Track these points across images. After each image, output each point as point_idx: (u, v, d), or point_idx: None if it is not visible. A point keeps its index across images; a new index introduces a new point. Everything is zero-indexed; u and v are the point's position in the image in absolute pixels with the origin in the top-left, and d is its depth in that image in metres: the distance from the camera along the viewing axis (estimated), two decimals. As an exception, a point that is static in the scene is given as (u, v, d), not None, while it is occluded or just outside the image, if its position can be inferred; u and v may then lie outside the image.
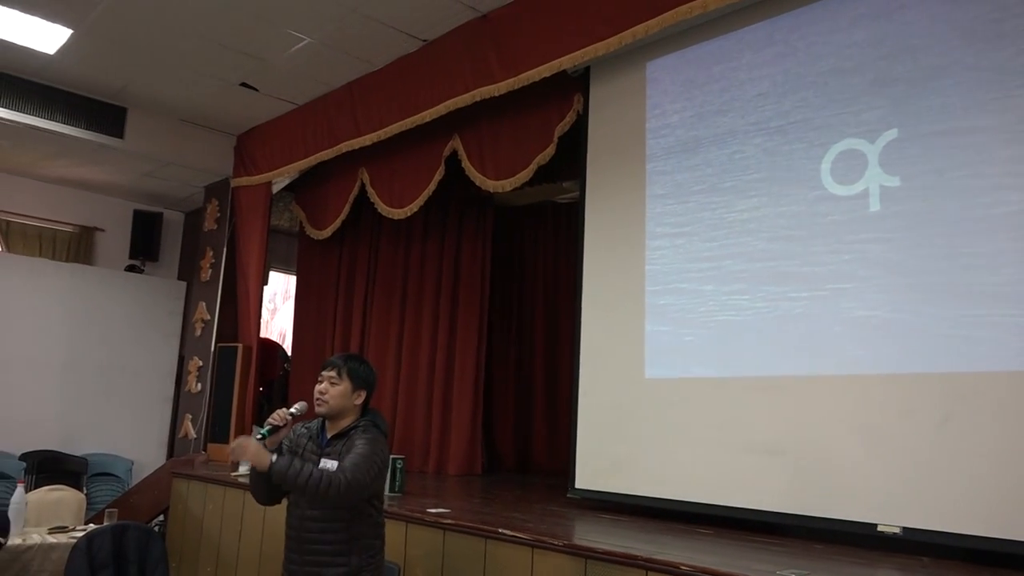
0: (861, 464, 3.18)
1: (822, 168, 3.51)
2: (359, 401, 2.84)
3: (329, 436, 2.81)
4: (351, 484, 2.60)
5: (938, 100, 3.19)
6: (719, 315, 3.77)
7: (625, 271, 4.21)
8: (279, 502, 2.88)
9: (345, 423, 2.81)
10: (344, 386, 2.80)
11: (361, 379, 2.85)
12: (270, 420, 2.77)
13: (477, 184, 5.28)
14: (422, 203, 5.69)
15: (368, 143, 5.67)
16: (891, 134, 3.30)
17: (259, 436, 2.75)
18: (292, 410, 2.83)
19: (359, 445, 2.71)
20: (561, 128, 4.73)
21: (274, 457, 2.61)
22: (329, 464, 2.67)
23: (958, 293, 3.03)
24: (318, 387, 2.82)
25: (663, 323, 3.99)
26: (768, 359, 3.55)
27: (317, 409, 2.82)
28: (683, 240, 3.98)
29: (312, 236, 6.87)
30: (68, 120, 6.23)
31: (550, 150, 4.77)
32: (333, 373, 2.81)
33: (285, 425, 2.79)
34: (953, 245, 3.07)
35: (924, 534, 2.98)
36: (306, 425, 2.92)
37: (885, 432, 3.14)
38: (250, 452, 2.62)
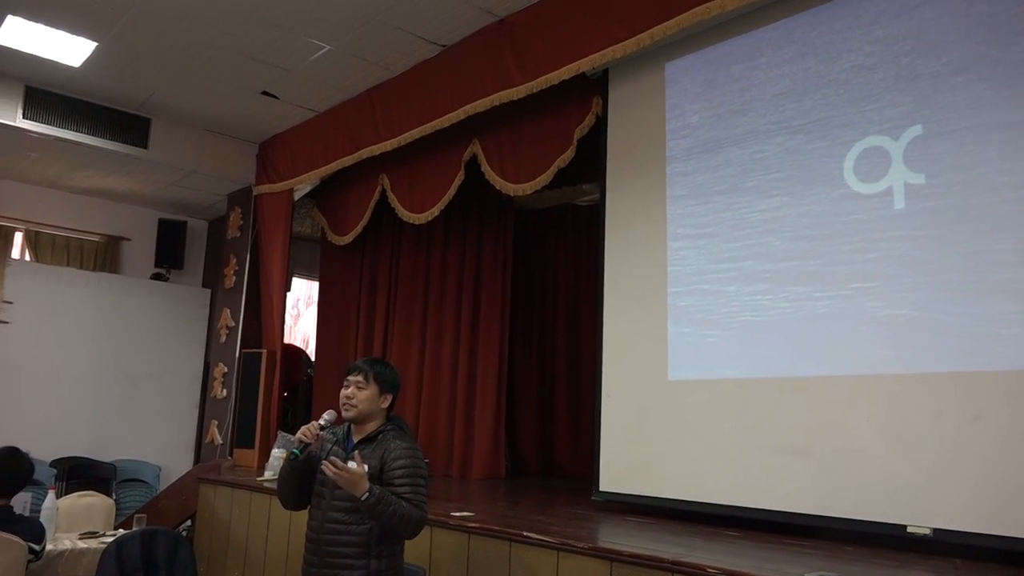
0: (890, 464, 3.15)
1: (845, 166, 3.48)
2: (385, 405, 2.85)
3: (355, 440, 2.83)
4: (425, 518, 2.72)
5: (964, 95, 3.15)
6: (742, 316, 3.75)
7: (647, 273, 4.20)
8: (305, 507, 2.89)
9: (371, 427, 2.82)
10: (371, 390, 2.81)
11: (388, 383, 2.86)
12: (300, 437, 2.73)
13: (497, 188, 5.29)
14: (442, 207, 5.71)
15: (388, 149, 5.70)
16: (915, 130, 3.27)
17: (293, 455, 2.75)
18: (320, 422, 2.81)
19: (405, 464, 2.70)
20: (580, 131, 4.73)
21: (368, 488, 2.57)
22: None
23: (986, 291, 2.99)
24: (344, 392, 2.82)
25: (686, 324, 3.97)
26: (793, 360, 3.53)
27: (345, 414, 2.82)
28: (705, 241, 3.96)
29: (334, 242, 6.92)
30: (93, 131, 6.33)
31: (569, 153, 4.77)
32: (360, 378, 2.82)
33: (317, 438, 2.79)
34: (980, 242, 3.03)
35: (955, 535, 2.94)
36: (332, 430, 2.92)
37: (914, 432, 3.11)
38: (347, 478, 2.56)
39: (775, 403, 3.56)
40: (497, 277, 6.70)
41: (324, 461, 2.62)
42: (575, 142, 4.74)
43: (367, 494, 2.56)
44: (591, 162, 4.84)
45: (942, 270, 3.11)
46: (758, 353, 3.66)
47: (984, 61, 3.11)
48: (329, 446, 2.86)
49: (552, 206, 7.25)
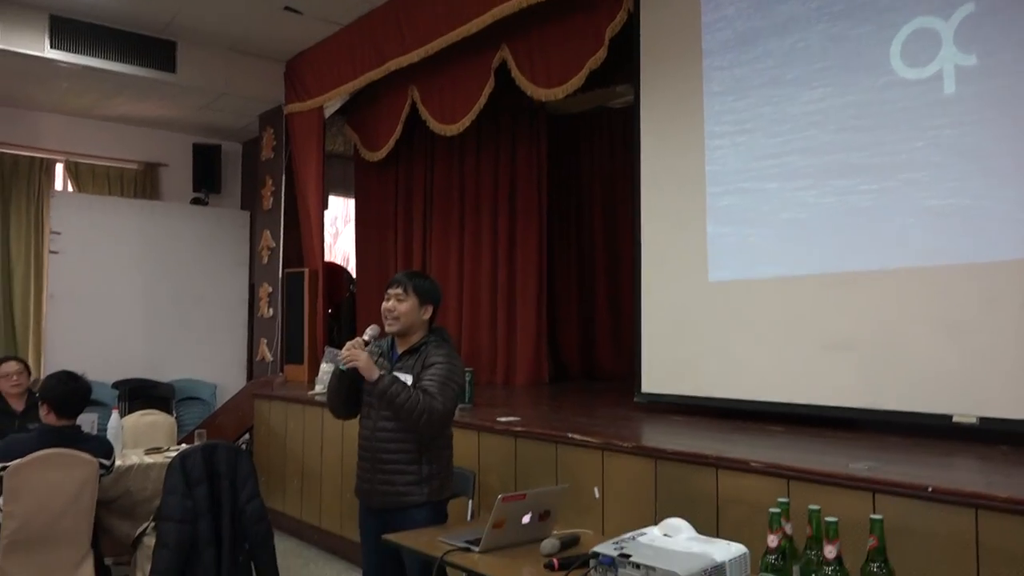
0: (937, 355, 3.12)
1: (891, 51, 3.32)
2: (427, 316, 2.89)
3: (399, 352, 2.89)
4: (444, 414, 2.73)
5: (1020, -34, 2.95)
6: (784, 213, 3.67)
7: (684, 174, 4.11)
8: (355, 416, 2.99)
9: (415, 339, 2.88)
10: (411, 302, 2.85)
11: (427, 294, 2.89)
12: (345, 354, 2.81)
13: (528, 94, 5.17)
14: (474, 117, 5.61)
15: (416, 59, 5.59)
16: (967, 8, 3.09)
17: (339, 370, 2.82)
18: (364, 337, 2.88)
19: (439, 364, 2.77)
20: (612, 29, 4.55)
21: (381, 372, 2.70)
22: (403, 377, 2.76)
23: (1040, 175, 2.87)
24: (385, 305, 2.87)
25: (726, 224, 3.91)
26: (837, 255, 3.46)
27: (387, 328, 2.88)
28: (744, 138, 3.85)
29: (367, 159, 6.89)
30: (121, 58, 6.31)
31: (601, 53, 4.61)
32: (399, 290, 2.86)
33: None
34: (1035, 124, 2.90)
35: (1002, 423, 2.93)
36: (377, 344, 2.99)
37: (962, 322, 3.06)
38: (362, 361, 2.72)
39: (819, 299, 3.53)
40: (532, 184, 6.64)
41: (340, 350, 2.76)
42: (607, 41, 4.58)
43: (378, 378, 2.67)
44: (624, 62, 4.68)
45: (993, 155, 2.99)
46: (801, 250, 3.60)
47: (1045, -73, 2.90)
48: (375, 359, 2.92)
49: (585, 110, 7.09)
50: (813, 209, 3.56)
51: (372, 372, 2.72)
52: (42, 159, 7.56)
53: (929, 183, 3.17)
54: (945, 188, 3.12)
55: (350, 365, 2.74)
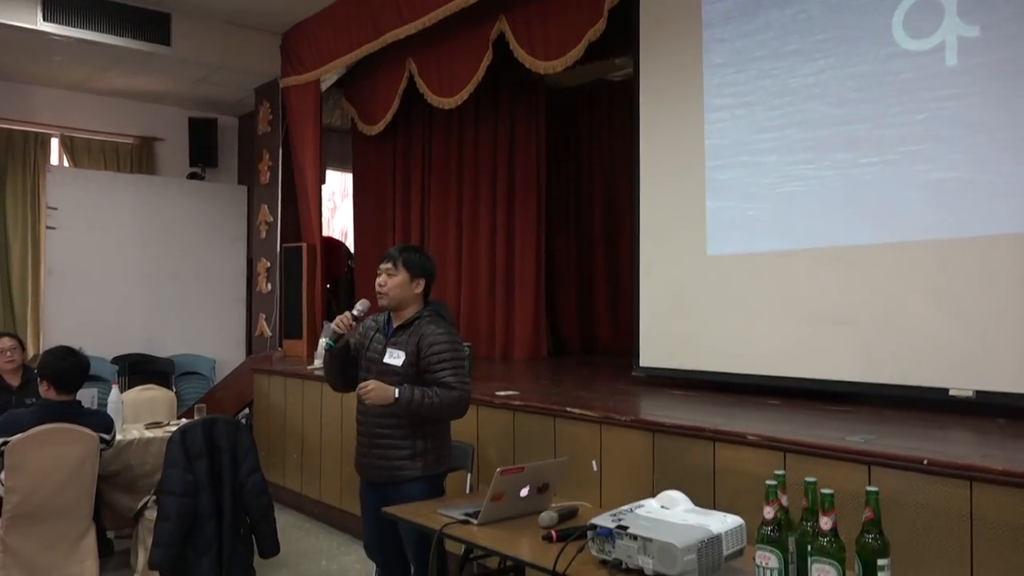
0: (934, 330, 3.12)
1: (893, 22, 3.28)
2: (419, 290, 2.89)
3: (395, 326, 2.89)
4: (467, 399, 2.83)
5: (1025, -65, 2.91)
6: (783, 187, 3.65)
7: (683, 147, 4.09)
8: (354, 389, 2.98)
9: (409, 313, 2.88)
10: (402, 276, 2.85)
11: (418, 268, 2.88)
12: (334, 328, 2.84)
13: (527, 66, 5.12)
14: (472, 90, 5.57)
15: (413, 31, 5.53)
16: (971, -22, 3.05)
17: (328, 345, 2.84)
18: (354, 312, 2.90)
19: (441, 345, 2.77)
20: (611, 0, 4.50)
21: (397, 392, 2.69)
22: (396, 353, 2.77)
23: (1042, 147, 2.85)
24: (377, 280, 2.88)
25: (725, 199, 3.89)
26: (836, 229, 3.45)
27: (379, 302, 2.88)
28: (744, 111, 3.82)
29: (364, 132, 6.85)
30: (115, 30, 6.23)
31: (600, 24, 4.56)
32: (389, 265, 2.86)
33: (351, 328, 2.87)
34: (1038, 96, 2.87)
35: (999, 396, 2.94)
36: (375, 318, 3.00)
37: (960, 296, 3.06)
38: (376, 395, 2.69)
39: (818, 274, 3.52)
40: (531, 157, 6.60)
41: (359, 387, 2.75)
42: (606, 13, 4.51)
43: (396, 399, 2.68)
44: (624, 34, 4.63)
45: (995, 128, 2.97)
46: (800, 224, 3.59)
47: None
48: (372, 333, 2.94)
49: (584, 83, 7.04)
50: (813, 183, 3.54)
51: (388, 396, 2.70)
52: (37, 134, 7.50)
53: (930, 156, 3.15)
54: (946, 161, 3.11)
55: (371, 403, 2.73)
